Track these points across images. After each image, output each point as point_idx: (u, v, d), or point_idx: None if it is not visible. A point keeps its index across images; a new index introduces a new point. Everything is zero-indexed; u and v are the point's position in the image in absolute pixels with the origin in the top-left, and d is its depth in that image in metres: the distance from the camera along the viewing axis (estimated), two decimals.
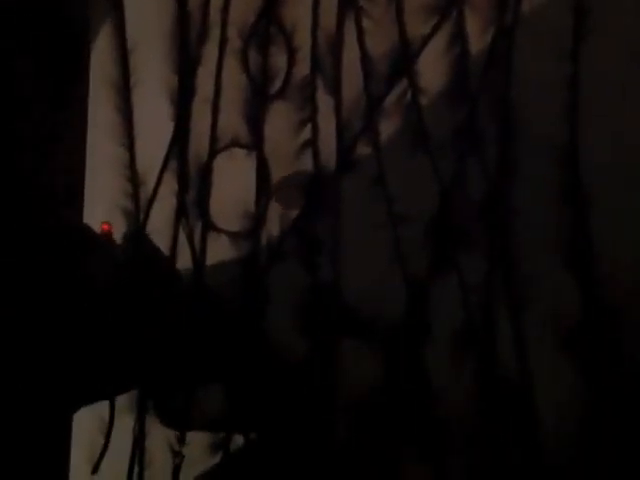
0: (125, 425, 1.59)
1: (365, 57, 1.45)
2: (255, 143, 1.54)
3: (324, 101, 1.49)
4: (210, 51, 1.57)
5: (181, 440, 1.55)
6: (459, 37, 1.38)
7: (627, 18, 1.33)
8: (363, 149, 1.46)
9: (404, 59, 1.42)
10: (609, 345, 1.30)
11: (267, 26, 1.52)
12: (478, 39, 1.39)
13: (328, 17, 1.48)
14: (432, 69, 1.41)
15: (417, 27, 1.42)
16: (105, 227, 1.56)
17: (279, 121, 1.53)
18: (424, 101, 1.42)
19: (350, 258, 1.47)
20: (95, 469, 1.60)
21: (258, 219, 1.53)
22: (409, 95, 1.42)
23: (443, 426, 1.39)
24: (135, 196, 1.61)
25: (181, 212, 1.58)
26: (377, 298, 1.44)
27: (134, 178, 1.61)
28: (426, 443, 1.40)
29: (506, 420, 1.35)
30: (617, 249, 1.31)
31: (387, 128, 1.45)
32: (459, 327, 1.39)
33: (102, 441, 1.62)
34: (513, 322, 1.35)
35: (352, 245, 1.46)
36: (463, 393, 1.37)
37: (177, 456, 1.56)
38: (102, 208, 1.64)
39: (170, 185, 1.59)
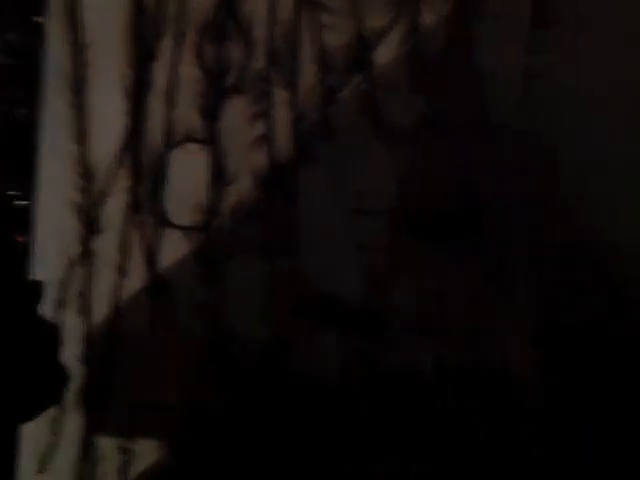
0: (73, 423, 1.60)
1: (321, 50, 1.48)
2: (210, 137, 1.56)
3: (280, 94, 1.52)
4: (165, 45, 1.59)
5: (130, 437, 1.56)
6: (415, 30, 1.42)
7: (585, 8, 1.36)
8: (320, 141, 1.48)
9: (361, 52, 1.45)
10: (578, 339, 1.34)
11: (223, 19, 1.55)
12: (434, 31, 1.42)
13: (284, 10, 1.51)
14: (389, 62, 1.45)
15: (374, 20, 1.45)
16: None
17: (234, 115, 1.55)
18: (382, 93, 1.45)
19: (309, 247, 1.49)
20: (42, 468, 1.59)
21: (213, 213, 1.55)
22: (366, 87, 1.45)
23: (401, 408, 1.41)
24: (88, 191, 1.62)
25: (135, 207, 1.60)
26: (336, 285, 1.46)
27: (87, 173, 1.62)
28: (384, 426, 1.42)
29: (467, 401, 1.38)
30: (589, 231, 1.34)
31: (344, 120, 1.48)
32: (419, 313, 1.41)
33: (49, 440, 1.62)
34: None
35: (312, 235, 1.49)
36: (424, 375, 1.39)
37: (126, 453, 1.56)
38: (55, 203, 1.65)
39: (123, 180, 1.61)
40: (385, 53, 1.46)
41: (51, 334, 1.03)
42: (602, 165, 1.33)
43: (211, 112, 1.57)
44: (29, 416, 1.08)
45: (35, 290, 1.04)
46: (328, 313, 1.46)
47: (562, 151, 1.36)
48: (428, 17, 1.44)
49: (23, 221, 1.70)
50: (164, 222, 1.60)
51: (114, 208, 1.63)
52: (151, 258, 1.60)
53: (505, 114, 1.38)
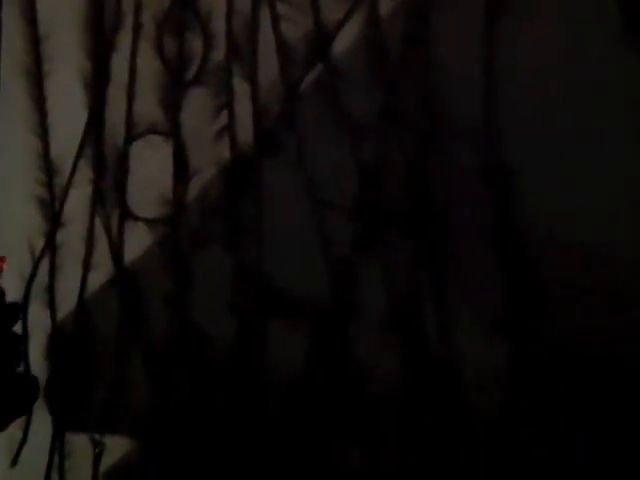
0: (44, 416, 1.61)
1: (281, 42, 1.49)
2: (172, 129, 1.56)
3: (241, 86, 1.52)
4: (124, 37, 1.59)
5: (101, 430, 1.58)
6: (373, 21, 1.43)
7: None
8: (282, 133, 1.49)
9: (320, 43, 1.46)
10: (534, 325, 1.35)
11: (182, 11, 1.55)
12: (392, 23, 1.43)
13: (243, 2, 1.52)
14: (348, 53, 1.45)
15: (332, 12, 1.46)
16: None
17: (196, 107, 1.56)
18: (342, 84, 1.46)
19: (275, 241, 1.50)
20: (14, 461, 1.61)
21: (176, 205, 1.56)
22: (326, 78, 1.46)
23: (372, 404, 1.43)
24: (50, 184, 1.62)
25: (97, 200, 1.60)
26: (303, 280, 1.47)
27: (48, 166, 1.62)
28: (356, 421, 1.44)
29: (434, 396, 1.40)
30: (543, 229, 1.36)
31: (305, 112, 1.49)
32: (387, 307, 1.43)
33: (21, 433, 1.63)
34: (437, 305, 1.40)
35: (276, 228, 1.50)
36: (391, 372, 1.41)
37: (98, 446, 1.58)
38: (17, 198, 1.65)
39: (86, 173, 1.62)
40: (344, 44, 1.46)
41: (17, 346, 1.04)
42: (561, 163, 1.35)
43: (172, 104, 1.57)
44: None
45: (12, 312, 1.07)
46: (292, 309, 1.48)
47: (521, 145, 1.37)
48: (385, 6, 1.45)
49: None
50: (128, 214, 1.60)
51: (77, 201, 1.63)
52: (116, 251, 1.61)
53: (462, 105, 1.39)
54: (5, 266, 1.59)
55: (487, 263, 1.37)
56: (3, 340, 1.01)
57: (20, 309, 1.06)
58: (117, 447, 1.59)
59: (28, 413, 1.50)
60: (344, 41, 1.46)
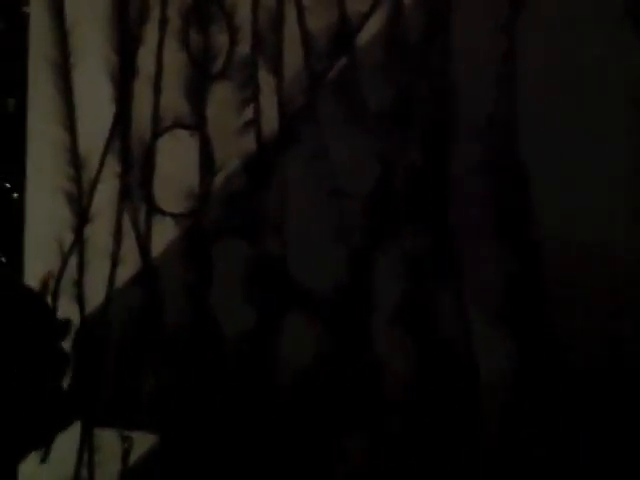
0: None
1: (306, 35, 1.48)
2: (198, 123, 1.56)
3: (266, 79, 1.52)
4: (151, 31, 1.59)
5: (128, 425, 1.59)
6: (397, 14, 1.41)
7: None
8: (303, 125, 1.49)
9: (344, 36, 1.45)
10: (538, 315, 1.35)
11: (207, 5, 1.54)
12: (415, 16, 1.42)
13: None
14: (372, 46, 1.44)
15: (357, 4, 1.45)
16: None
17: (221, 100, 1.55)
18: (364, 77, 1.45)
19: (294, 231, 1.50)
20: (44, 458, 1.62)
21: (202, 198, 1.56)
22: (348, 71, 1.45)
23: (386, 394, 1.43)
24: (78, 179, 1.63)
25: (125, 194, 1.61)
26: (321, 270, 1.47)
27: (76, 161, 1.63)
28: (370, 409, 1.44)
29: (447, 386, 1.39)
30: (552, 222, 1.35)
31: (329, 104, 1.48)
32: (401, 298, 1.42)
33: None
34: (453, 292, 1.39)
35: (296, 219, 1.50)
36: (406, 361, 1.41)
37: (126, 441, 1.59)
38: (45, 192, 1.66)
39: (113, 167, 1.62)
40: (367, 37, 1.45)
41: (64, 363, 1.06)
42: (561, 162, 1.34)
43: (198, 98, 1.57)
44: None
45: (62, 328, 1.09)
46: (309, 300, 1.48)
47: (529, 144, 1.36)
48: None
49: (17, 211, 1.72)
50: (155, 209, 1.61)
51: (105, 196, 1.64)
52: (143, 245, 1.61)
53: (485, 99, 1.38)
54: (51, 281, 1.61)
55: (492, 260, 1.37)
56: (52, 356, 1.03)
57: (71, 325, 1.07)
58: (144, 442, 1.60)
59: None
60: (367, 34, 1.45)
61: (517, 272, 1.35)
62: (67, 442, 1.60)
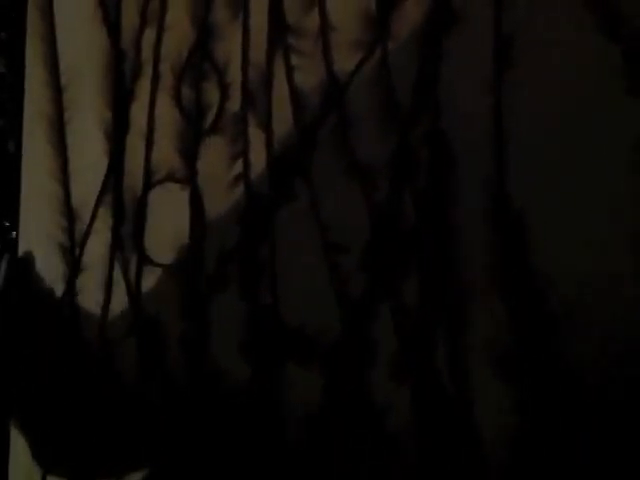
0: None
1: (295, 92, 1.54)
2: (189, 177, 1.61)
3: (256, 135, 1.57)
4: (144, 86, 1.65)
5: None
6: (384, 70, 1.47)
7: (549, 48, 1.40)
8: (296, 180, 1.54)
9: (332, 93, 1.50)
10: (542, 366, 1.37)
11: (199, 62, 1.60)
12: (403, 71, 1.47)
13: (258, 54, 1.57)
14: (361, 102, 1.50)
15: (344, 62, 1.51)
16: None
17: (212, 155, 1.60)
18: (355, 132, 1.50)
19: (289, 285, 1.54)
20: None
21: (193, 251, 1.60)
22: (339, 126, 1.50)
23: (386, 443, 1.45)
24: (70, 230, 1.68)
25: (116, 245, 1.65)
26: (316, 322, 1.51)
27: (69, 212, 1.68)
28: (371, 459, 1.46)
29: (446, 436, 1.42)
30: (552, 269, 1.38)
31: (321, 159, 1.53)
32: (399, 348, 1.45)
33: (39, 475, 1.68)
34: (449, 342, 1.42)
35: (290, 272, 1.54)
36: (405, 411, 1.44)
37: None
38: (39, 243, 1.71)
39: (105, 219, 1.67)
40: (357, 93, 1.51)
41: None
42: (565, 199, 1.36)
43: (190, 152, 1.62)
44: None
45: None
46: (306, 352, 1.51)
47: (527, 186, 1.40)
48: (397, 56, 1.49)
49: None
50: (146, 260, 1.65)
51: (97, 247, 1.69)
52: (134, 296, 1.66)
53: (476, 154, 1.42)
54: None
55: (497, 301, 1.39)
56: None
57: None
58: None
59: None
60: (357, 90, 1.51)
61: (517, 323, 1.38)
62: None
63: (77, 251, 1.69)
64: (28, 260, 1.69)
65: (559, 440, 1.35)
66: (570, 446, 1.35)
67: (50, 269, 1.70)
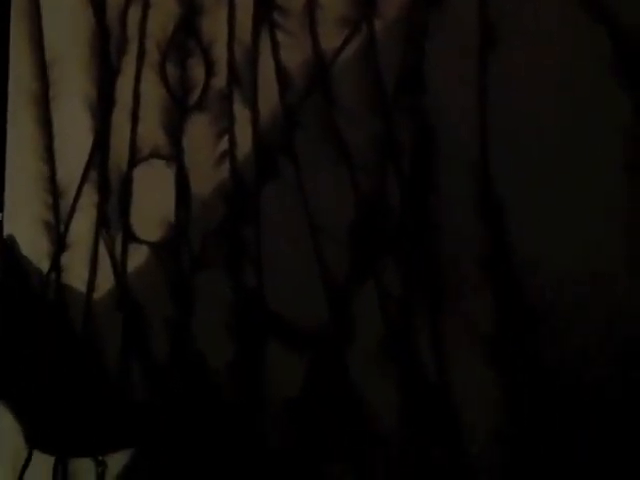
0: None
1: (280, 69, 1.54)
2: (174, 154, 1.62)
3: (242, 112, 1.57)
4: (129, 63, 1.65)
5: None
6: (371, 49, 1.47)
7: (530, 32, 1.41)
8: (281, 159, 1.54)
9: (318, 70, 1.51)
10: (526, 351, 1.38)
11: (185, 39, 1.60)
12: (390, 50, 1.47)
13: (244, 30, 1.57)
14: (346, 80, 1.50)
15: (330, 40, 1.51)
16: None
17: (198, 132, 1.61)
18: (340, 111, 1.50)
19: (273, 265, 1.55)
20: None
21: (178, 229, 1.61)
22: (324, 105, 1.51)
23: (367, 431, 1.46)
24: (55, 208, 1.68)
25: (102, 223, 1.66)
26: (300, 304, 1.51)
27: (54, 190, 1.68)
28: (351, 447, 1.47)
29: (428, 423, 1.43)
30: (534, 254, 1.38)
31: (304, 138, 1.53)
32: (382, 333, 1.46)
33: (24, 455, 1.68)
34: (432, 328, 1.43)
35: (275, 252, 1.54)
36: (386, 399, 1.45)
37: (100, 465, 1.63)
38: (24, 220, 1.71)
39: (91, 196, 1.67)
40: (342, 72, 1.51)
41: None
42: (553, 192, 1.37)
43: (175, 129, 1.63)
44: None
45: None
46: (289, 334, 1.52)
47: (513, 177, 1.40)
48: (383, 34, 1.49)
49: None
50: (131, 238, 1.66)
51: (82, 224, 1.69)
52: (119, 273, 1.66)
53: (460, 136, 1.43)
54: None
55: (481, 291, 1.40)
56: None
57: None
58: (119, 466, 1.64)
59: None
60: (342, 69, 1.51)
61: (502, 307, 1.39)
62: (42, 465, 1.65)
63: (62, 228, 1.69)
64: (12, 239, 1.70)
65: (541, 430, 1.37)
66: (554, 437, 1.36)
67: (35, 247, 1.70)
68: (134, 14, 1.65)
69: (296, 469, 1.52)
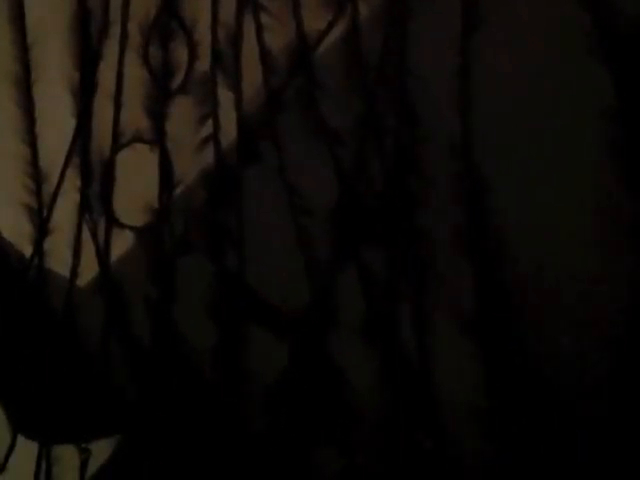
0: None
1: (264, 52, 1.54)
2: (157, 137, 1.61)
3: (225, 95, 1.57)
4: (111, 46, 1.64)
5: None
6: (354, 31, 1.47)
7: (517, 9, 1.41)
8: (263, 141, 1.54)
9: (301, 53, 1.51)
10: (508, 329, 1.38)
11: (167, 21, 1.60)
12: (374, 33, 1.47)
13: (228, 12, 1.57)
14: (329, 63, 1.50)
15: (314, 22, 1.51)
16: None
17: (181, 116, 1.60)
18: (323, 93, 1.50)
19: (255, 247, 1.55)
20: (1, 468, 1.66)
21: (161, 213, 1.61)
22: (307, 88, 1.51)
23: (350, 410, 1.46)
24: (38, 192, 1.68)
25: (84, 207, 1.65)
26: (282, 286, 1.52)
27: (37, 174, 1.68)
28: (334, 427, 1.48)
29: (409, 403, 1.43)
30: (517, 233, 1.39)
31: (288, 120, 1.53)
32: (364, 314, 1.46)
33: (8, 440, 1.68)
34: (414, 307, 1.43)
35: (257, 235, 1.54)
36: (369, 378, 1.45)
37: (84, 452, 1.63)
38: (5, 205, 1.71)
39: (73, 181, 1.67)
40: (326, 54, 1.51)
41: None
42: (533, 176, 1.37)
43: (158, 113, 1.62)
44: None
45: None
46: (272, 316, 1.52)
47: (494, 156, 1.40)
48: (366, 17, 1.49)
49: None
50: (114, 222, 1.65)
51: (65, 209, 1.68)
52: (102, 258, 1.66)
53: (443, 115, 1.43)
54: None
55: (461, 269, 1.40)
56: None
57: None
58: (103, 453, 1.64)
59: None
60: (326, 51, 1.51)
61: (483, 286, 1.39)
62: (26, 452, 1.65)
63: (45, 213, 1.68)
64: None
65: (522, 408, 1.37)
66: (535, 415, 1.37)
67: (17, 231, 1.69)
68: None
69: (280, 453, 1.52)
